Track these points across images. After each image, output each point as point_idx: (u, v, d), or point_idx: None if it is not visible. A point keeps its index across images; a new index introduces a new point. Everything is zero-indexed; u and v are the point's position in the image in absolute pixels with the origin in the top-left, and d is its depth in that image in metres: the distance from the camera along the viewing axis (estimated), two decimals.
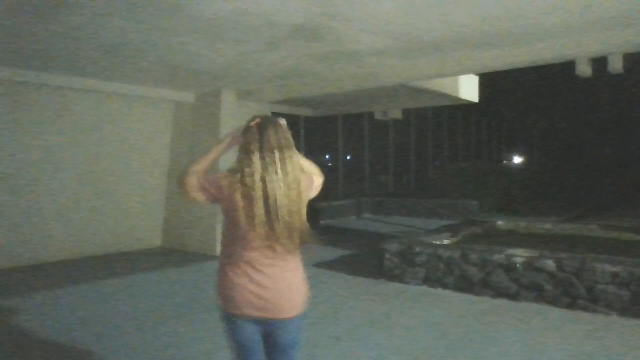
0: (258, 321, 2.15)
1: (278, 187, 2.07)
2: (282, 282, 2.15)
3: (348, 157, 15.55)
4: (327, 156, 16.12)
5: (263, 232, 2.08)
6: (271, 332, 2.19)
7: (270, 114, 9.61)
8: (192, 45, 5.41)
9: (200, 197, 2.15)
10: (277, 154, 2.09)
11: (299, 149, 2.27)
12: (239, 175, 2.09)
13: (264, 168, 2.07)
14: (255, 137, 2.12)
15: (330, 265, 7.15)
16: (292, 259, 2.18)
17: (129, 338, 4.26)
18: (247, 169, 2.08)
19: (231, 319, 2.17)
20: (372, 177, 15.92)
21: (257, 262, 2.12)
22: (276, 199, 2.06)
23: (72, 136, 7.79)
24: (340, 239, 9.55)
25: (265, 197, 2.06)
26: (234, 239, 2.16)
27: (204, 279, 6.52)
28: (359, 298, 5.49)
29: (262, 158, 2.08)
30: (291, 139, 2.19)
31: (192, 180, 2.13)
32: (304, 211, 2.16)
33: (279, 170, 2.08)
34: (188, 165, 2.16)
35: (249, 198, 2.06)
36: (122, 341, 4.18)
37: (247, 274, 2.12)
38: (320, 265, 7.09)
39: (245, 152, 2.12)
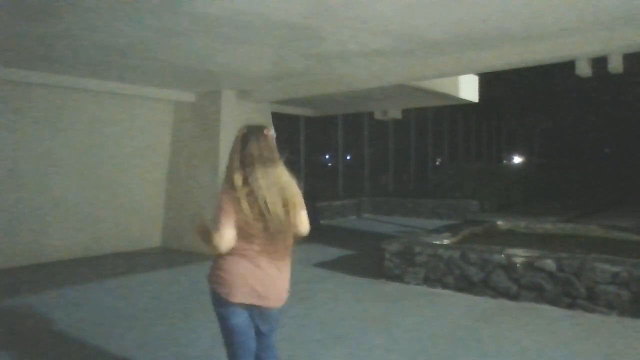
0: (249, 308, 2.39)
1: (267, 192, 2.26)
2: (276, 280, 2.39)
3: (348, 157, 15.54)
4: (327, 156, 16.12)
5: (259, 231, 2.29)
6: (254, 320, 2.44)
7: (270, 114, 9.60)
8: (192, 45, 5.41)
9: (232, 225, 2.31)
10: (257, 164, 2.28)
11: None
12: (230, 182, 2.31)
13: (246, 175, 2.28)
14: (237, 148, 2.35)
15: (330, 265, 7.15)
16: (286, 259, 2.43)
17: (128, 337, 4.26)
18: (233, 176, 2.29)
19: (227, 305, 2.38)
20: (372, 177, 15.90)
21: (256, 260, 2.34)
22: (266, 201, 2.25)
23: (72, 136, 7.80)
24: (341, 239, 9.55)
25: (255, 199, 2.26)
26: (238, 238, 2.34)
27: (204, 279, 6.52)
28: (359, 298, 5.49)
29: (242, 167, 2.29)
30: (275, 151, 2.37)
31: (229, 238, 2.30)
32: (296, 216, 2.37)
33: (262, 179, 2.27)
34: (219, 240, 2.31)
35: (240, 201, 2.26)
36: (121, 340, 4.18)
37: (248, 269, 2.34)
38: (320, 265, 7.09)
39: (230, 161, 2.36)
